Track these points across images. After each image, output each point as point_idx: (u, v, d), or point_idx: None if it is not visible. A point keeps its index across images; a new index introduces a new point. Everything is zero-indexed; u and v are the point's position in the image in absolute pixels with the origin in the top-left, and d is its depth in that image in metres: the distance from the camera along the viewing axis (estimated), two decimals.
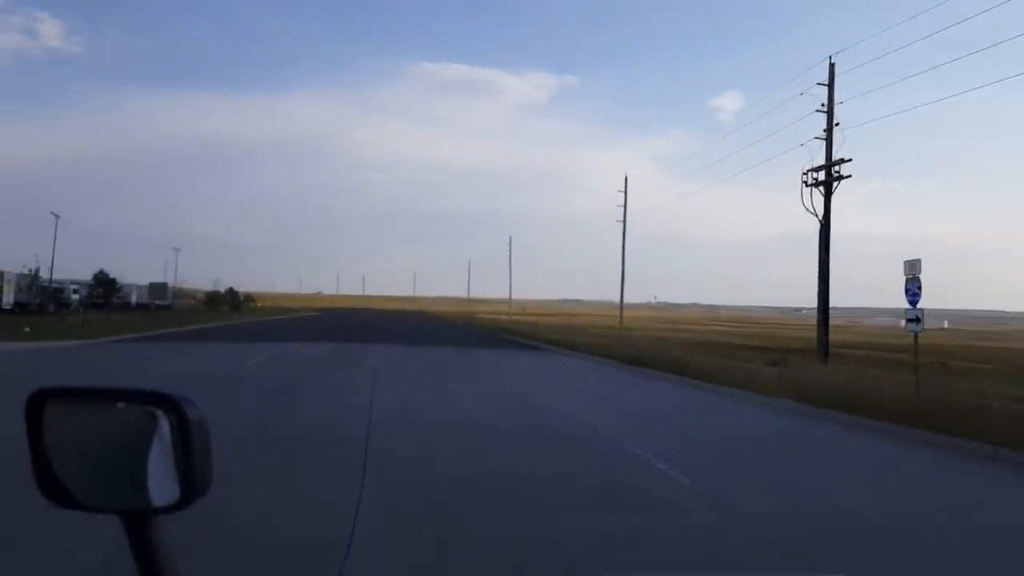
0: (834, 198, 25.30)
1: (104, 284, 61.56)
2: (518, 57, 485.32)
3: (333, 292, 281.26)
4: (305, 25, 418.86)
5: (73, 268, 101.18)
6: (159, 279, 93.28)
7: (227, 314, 78.52)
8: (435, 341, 36.05)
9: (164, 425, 1.13)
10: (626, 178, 49.29)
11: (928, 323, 14.87)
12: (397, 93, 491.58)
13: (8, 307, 54.16)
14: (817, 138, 27.40)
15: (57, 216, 59.23)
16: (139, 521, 1.14)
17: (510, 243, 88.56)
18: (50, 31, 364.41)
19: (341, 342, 30.65)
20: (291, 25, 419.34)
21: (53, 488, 1.16)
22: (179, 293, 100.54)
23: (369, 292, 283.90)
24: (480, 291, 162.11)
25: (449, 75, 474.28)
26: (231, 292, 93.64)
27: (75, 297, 69.20)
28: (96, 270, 70.61)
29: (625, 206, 48.81)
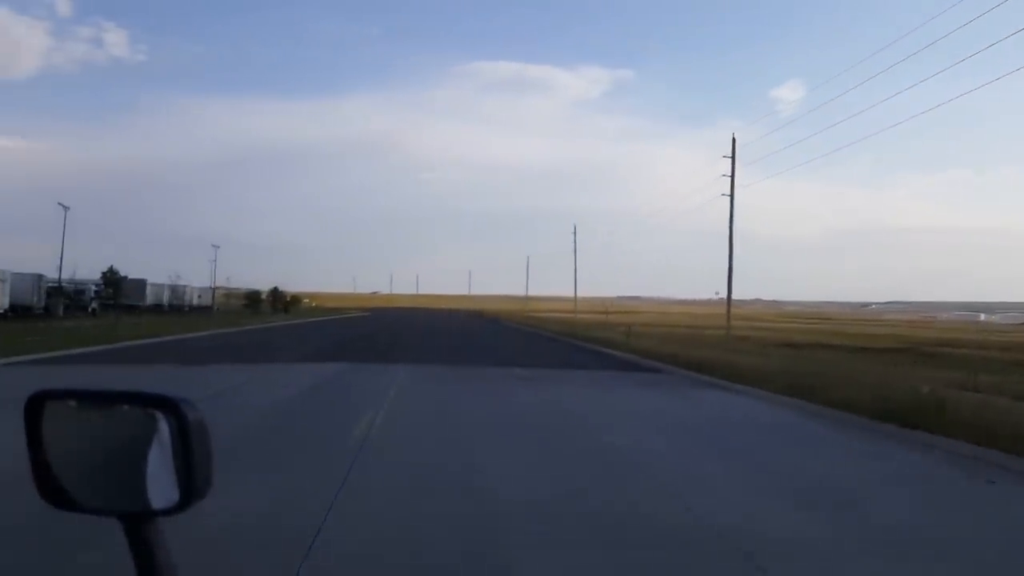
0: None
1: (112, 283, 52.50)
2: (571, 52, 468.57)
3: (389, 292, 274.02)
4: (362, 29, 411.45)
5: (137, 270, 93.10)
6: (206, 280, 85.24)
7: (266, 315, 69.73)
8: (493, 356, 25.25)
9: (163, 427, 1.10)
10: (733, 140, 37.82)
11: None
12: (450, 93, 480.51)
13: (1, 311, 45.71)
14: None
15: (66, 208, 50.64)
16: (138, 523, 1.12)
17: (574, 232, 77.58)
18: (115, 40, 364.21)
19: (355, 361, 20.20)
20: (348, 30, 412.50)
21: (52, 490, 1.13)
22: (230, 293, 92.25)
23: (425, 291, 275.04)
24: (537, 289, 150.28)
25: (501, 73, 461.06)
26: (274, 292, 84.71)
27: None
28: (165, 270, 62.83)
29: (732, 174, 37.34)
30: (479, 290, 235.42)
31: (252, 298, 77.66)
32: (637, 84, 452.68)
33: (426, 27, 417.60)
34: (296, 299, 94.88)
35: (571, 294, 79.76)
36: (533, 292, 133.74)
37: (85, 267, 57.55)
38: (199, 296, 77.95)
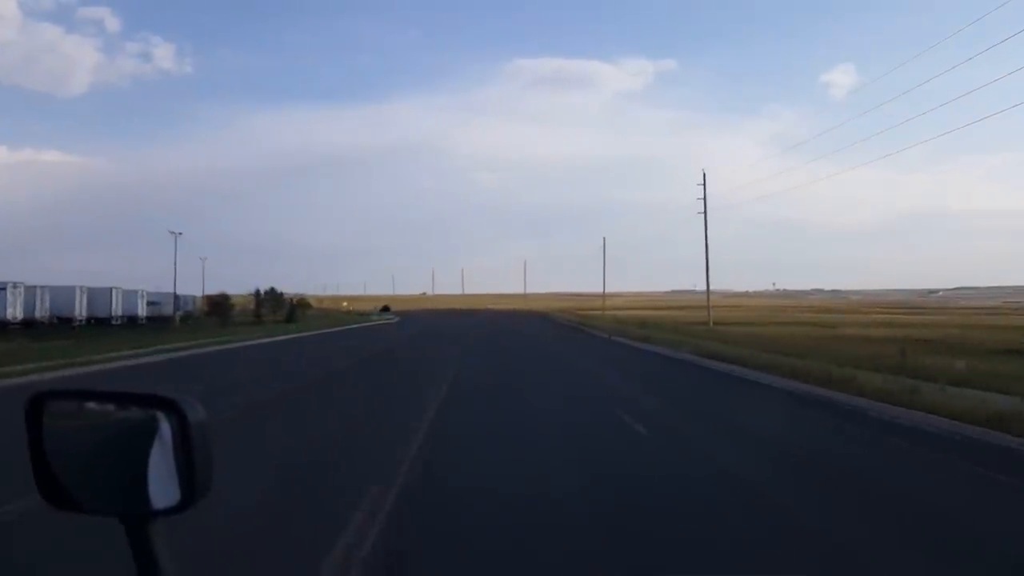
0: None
1: None
2: (612, 45, 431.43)
3: (438, 292, 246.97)
4: (403, 34, 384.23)
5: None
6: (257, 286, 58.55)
7: (247, 328, 42.91)
8: None
9: (164, 427, 1.05)
10: None
11: None
12: (494, 92, 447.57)
13: None
14: None
15: None
16: (139, 524, 1.06)
17: (704, 184, 48.04)
18: (162, 54, 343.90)
19: None
20: (389, 35, 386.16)
21: (53, 491, 1.07)
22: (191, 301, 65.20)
23: (475, 291, 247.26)
24: (588, 287, 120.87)
25: (544, 69, 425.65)
26: (259, 295, 57.33)
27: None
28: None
29: None
30: (533, 288, 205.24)
31: (218, 304, 49.54)
32: (682, 74, 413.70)
33: (463, 28, 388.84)
34: (303, 303, 67.56)
35: (649, 289, 50.47)
36: (591, 289, 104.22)
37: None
38: (148, 304, 50.90)
